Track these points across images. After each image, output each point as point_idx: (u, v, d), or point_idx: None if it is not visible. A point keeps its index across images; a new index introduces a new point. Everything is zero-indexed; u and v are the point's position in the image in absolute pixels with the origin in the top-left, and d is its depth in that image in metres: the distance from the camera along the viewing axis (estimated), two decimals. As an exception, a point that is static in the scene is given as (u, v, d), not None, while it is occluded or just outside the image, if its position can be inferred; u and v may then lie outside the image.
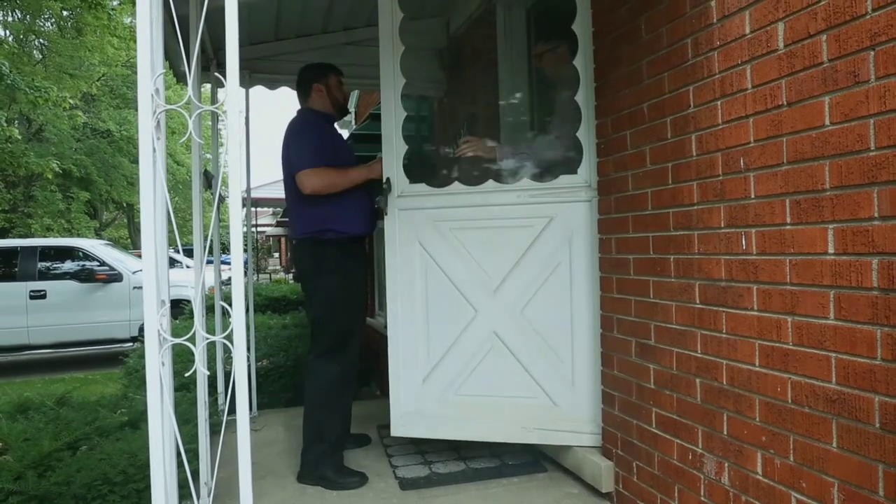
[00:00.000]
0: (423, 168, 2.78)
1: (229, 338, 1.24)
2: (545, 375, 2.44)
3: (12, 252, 7.04)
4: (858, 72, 1.29)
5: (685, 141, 1.83)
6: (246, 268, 4.01)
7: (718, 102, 1.69)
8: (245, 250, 2.42)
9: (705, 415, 1.77)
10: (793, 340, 1.47)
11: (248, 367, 3.10)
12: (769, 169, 1.53)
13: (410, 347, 2.55)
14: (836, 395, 1.36)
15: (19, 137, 12.38)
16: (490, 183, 2.51)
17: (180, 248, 1.46)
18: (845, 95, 1.32)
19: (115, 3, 11.58)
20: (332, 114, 2.79)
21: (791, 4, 1.45)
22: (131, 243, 20.41)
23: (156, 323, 1.22)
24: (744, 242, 1.62)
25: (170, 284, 1.34)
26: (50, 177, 12.62)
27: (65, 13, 13.08)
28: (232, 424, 1.36)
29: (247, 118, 3.77)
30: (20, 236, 14.09)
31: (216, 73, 3.31)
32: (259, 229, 18.84)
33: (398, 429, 2.55)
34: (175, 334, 1.27)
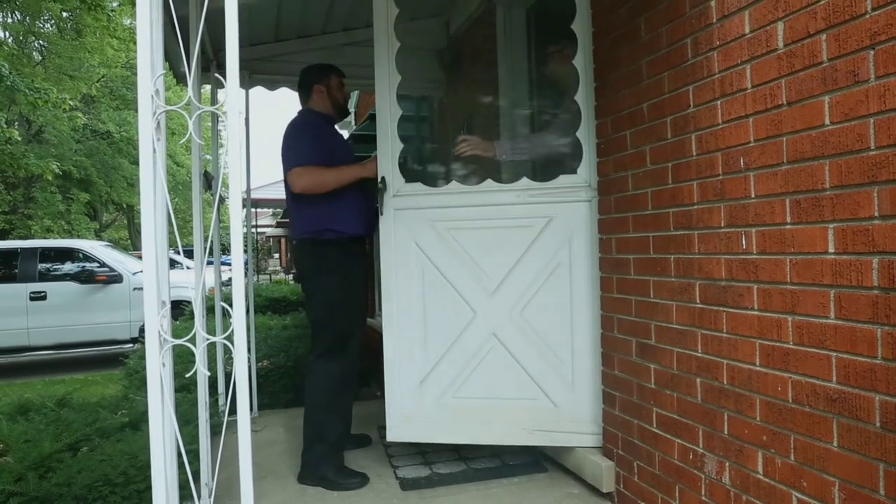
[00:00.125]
0: (419, 167, 2.75)
1: (230, 338, 1.24)
2: (545, 376, 2.43)
3: (12, 253, 7.04)
4: (858, 71, 1.29)
5: (685, 141, 1.83)
6: (246, 269, 4.01)
7: (718, 102, 1.69)
8: (245, 251, 2.42)
9: (706, 414, 1.77)
10: (793, 340, 1.47)
11: (249, 367, 3.10)
12: (769, 168, 1.53)
13: (407, 350, 2.52)
14: (837, 394, 1.36)
15: (19, 139, 12.39)
16: (488, 182, 2.49)
17: (181, 249, 1.46)
18: (845, 95, 1.32)
19: (114, 4, 11.59)
20: (332, 115, 2.79)
21: (791, 4, 1.45)
22: (131, 244, 20.41)
23: (156, 324, 1.23)
24: (744, 242, 1.62)
25: (170, 285, 1.34)
26: (50, 178, 12.63)
27: (64, 14, 13.09)
28: (232, 425, 1.36)
29: (247, 119, 3.77)
30: (20, 238, 14.09)
31: (216, 74, 3.31)
32: (259, 230, 18.84)
33: (395, 433, 2.52)
34: (175, 335, 1.27)
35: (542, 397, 2.44)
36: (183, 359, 2.79)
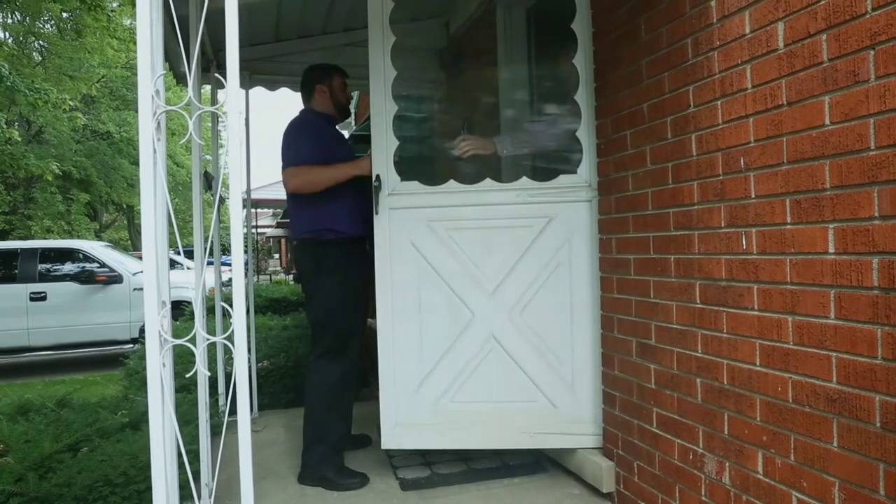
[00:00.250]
0: (415, 165, 2.68)
1: (230, 339, 1.24)
2: (545, 378, 2.41)
3: (12, 254, 7.04)
4: (858, 71, 1.29)
5: (685, 141, 1.83)
6: (246, 269, 4.01)
7: (718, 102, 1.69)
8: (245, 251, 2.42)
9: (706, 414, 1.77)
10: (793, 340, 1.47)
11: (249, 368, 3.10)
12: (769, 168, 1.53)
13: (402, 354, 2.45)
14: (837, 394, 1.36)
15: (19, 139, 12.39)
16: (488, 181, 2.45)
17: (181, 250, 1.46)
18: (845, 95, 1.32)
19: (114, 4, 11.59)
20: (333, 115, 2.78)
21: (791, 4, 1.45)
22: (131, 245, 20.41)
23: (157, 324, 1.23)
24: (744, 242, 1.62)
25: (170, 286, 1.34)
26: (50, 178, 12.63)
27: (64, 15, 13.09)
28: (233, 425, 1.36)
29: (247, 119, 3.77)
30: (20, 238, 14.10)
31: (216, 75, 3.32)
32: (259, 230, 18.84)
33: (390, 441, 2.45)
34: (176, 335, 1.27)
35: (542, 399, 2.42)
36: (183, 359, 2.78)
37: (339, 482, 2.44)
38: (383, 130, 2.44)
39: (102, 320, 6.95)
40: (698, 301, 1.79)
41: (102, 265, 7.18)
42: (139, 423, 2.63)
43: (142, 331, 6.43)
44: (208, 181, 2.81)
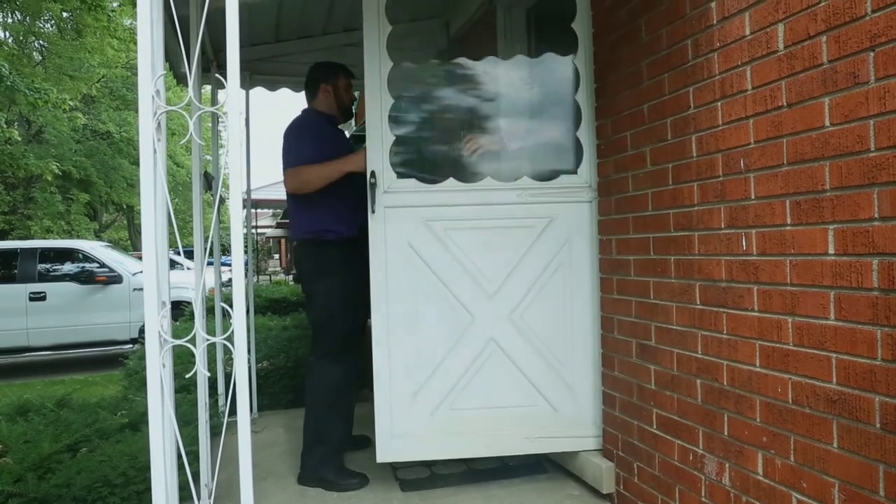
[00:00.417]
0: (412, 161, 2.58)
1: (230, 339, 1.24)
2: (545, 381, 2.38)
3: (12, 254, 7.03)
4: (858, 73, 1.29)
5: (685, 142, 1.83)
6: (246, 269, 4.00)
7: (718, 103, 1.69)
8: (245, 252, 2.42)
9: (706, 415, 1.77)
10: (793, 341, 1.47)
11: (249, 368, 3.10)
12: (769, 170, 1.53)
13: (399, 360, 2.34)
14: (837, 395, 1.36)
15: (19, 139, 12.39)
16: (488, 180, 2.40)
17: (181, 250, 1.46)
18: (845, 96, 1.33)
19: (114, 4, 11.59)
20: (335, 115, 2.76)
21: (791, 6, 1.45)
22: (131, 245, 20.41)
23: (156, 324, 1.22)
24: (744, 243, 1.62)
25: (170, 286, 1.34)
26: (49, 178, 12.62)
27: (64, 15, 13.09)
28: (232, 426, 1.36)
29: (247, 119, 3.77)
30: (20, 238, 14.09)
31: (216, 75, 3.31)
32: (259, 231, 18.84)
33: (385, 454, 2.33)
34: (175, 336, 1.27)
35: (543, 403, 2.38)
36: (183, 359, 2.78)
37: (339, 483, 2.44)
38: (378, 124, 2.33)
39: (102, 320, 6.94)
40: (698, 302, 1.79)
41: (102, 265, 7.18)
42: (139, 423, 2.63)
43: (141, 331, 6.43)
44: (208, 181, 2.81)
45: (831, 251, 1.37)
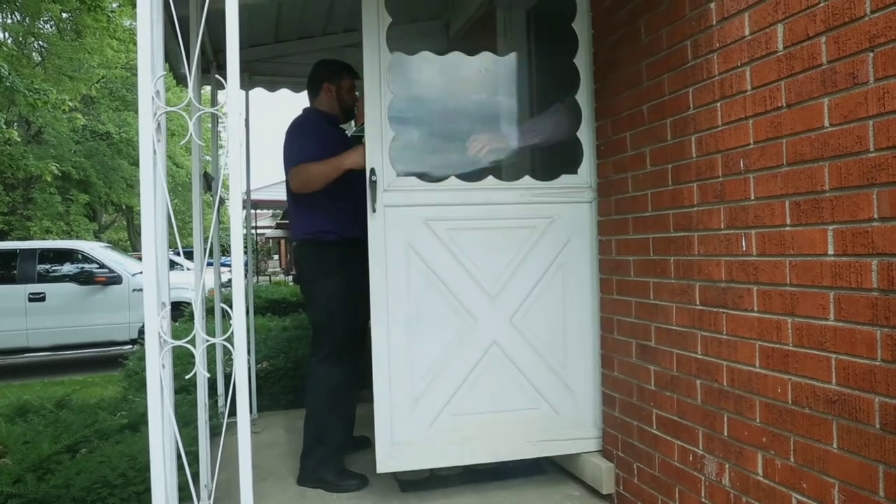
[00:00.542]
0: (413, 159, 2.51)
1: (230, 340, 1.24)
2: (546, 383, 2.36)
3: (11, 254, 7.03)
4: (857, 73, 1.30)
5: (685, 143, 1.83)
6: (246, 270, 4.00)
7: (718, 104, 1.69)
8: (245, 252, 2.42)
9: (706, 416, 1.77)
10: (793, 341, 1.47)
11: (249, 369, 3.09)
12: (769, 170, 1.53)
13: (399, 366, 2.26)
14: (837, 395, 1.36)
15: (18, 140, 12.38)
16: (490, 179, 2.35)
17: (180, 251, 1.46)
18: (844, 97, 1.33)
19: (114, 5, 11.58)
20: (336, 115, 2.74)
21: (790, 6, 1.46)
22: (130, 245, 20.40)
23: (156, 325, 1.22)
24: (744, 244, 1.62)
25: (170, 287, 1.34)
26: (49, 179, 12.62)
27: (64, 15, 13.08)
28: (232, 427, 1.36)
29: (247, 120, 3.77)
30: (19, 239, 14.08)
31: (216, 76, 3.32)
32: (259, 231, 18.84)
33: (386, 464, 2.25)
34: (175, 336, 1.27)
35: (544, 405, 2.36)
36: (182, 360, 2.78)
37: (339, 484, 2.44)
38: (378, 120, 2.25)
39: (101, 321, 6.94)
40: (698, 302, 1.79)
41: (101, 266, 7.18)
42: (138, 424, 2.63)
43: (141, 332, 6.42)
44: (208, 182, 2.81)
45: (831, 252, 1.37)
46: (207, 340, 1.35)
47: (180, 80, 3.31)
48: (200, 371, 1.35)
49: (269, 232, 23.12)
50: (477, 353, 2.33)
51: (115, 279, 7.07)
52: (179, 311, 6.32)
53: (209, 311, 3.66)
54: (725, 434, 1.69)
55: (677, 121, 1.86)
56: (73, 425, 2.59)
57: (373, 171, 2.25)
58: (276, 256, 25.97)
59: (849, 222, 1.33)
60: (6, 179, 14.74)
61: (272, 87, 3.85)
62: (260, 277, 16.62)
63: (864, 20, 1.28)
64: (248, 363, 3.44)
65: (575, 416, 2.38)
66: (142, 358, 3.83)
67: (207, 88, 3.55)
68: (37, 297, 6.79)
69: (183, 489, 1.36)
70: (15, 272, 6.87)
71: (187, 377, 1.44)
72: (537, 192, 2.36)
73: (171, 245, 1.36)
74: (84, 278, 6.99)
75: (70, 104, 11.38)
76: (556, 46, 2.55)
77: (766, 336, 1.55)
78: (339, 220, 2.56)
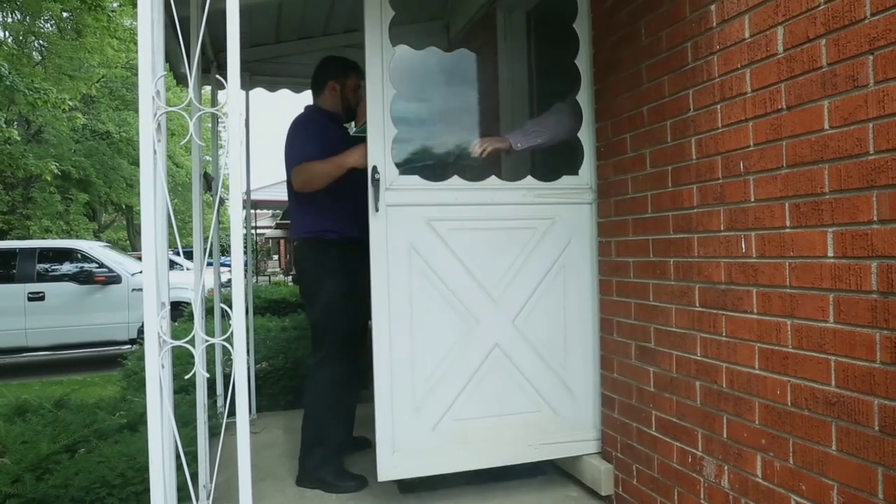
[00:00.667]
0: (415, 157, 2.49)
1: (229, 340, 1.24)
2: (547, 385, 2.34)
3: (10, 254, 7.03)
4: (857, 76, 1.30)
5: (685, 144, 1.83)
6: (245, 270, 4.00)
7: (718, 106, 1.69)
8: (245, 252, 2.41)
9: (705, 417, 1.77)
10: (792, 343, 1.47)
11: (248, 369, 3.09)
12: (769, 172, 1.53)
13: (401, 370, 2.21)
14: (836, 397, 1.36)
15: (18, 139, 12.38)
16: (493, 179, 2.32)
17: (180, 251, 1.46)
18: (844, 99, 1.33)
19: (114, 4, 11.60)
20: (339, 114, 2.73)
21: (790, 9, 1.46)
22: (130, 245, 20.39)
23: (156, 325, 1.22)
24: (743, 245, 1.62)
25: (169, 286, 1.34)
26: (49, 178, 12.62)
27: (64, 14, 13.08)
28: (231, 427, 1.36)
29: (247, 120, 3.77)
30: (18, 238, 14.07)
31: (216, 76, 3.32)
32: (258, 231, 18.84)
33: (387, 471, 2.20)
34: (174, 336, 1.27)
35: (545, 407, 2.35)
36: (182, 360, 2.78)
37: (338, 485, 2.44)
38: (380, 116, 2.20)
39: (101, 321, 6.94)
40: (697, 304, 1.79)
41: (101, 265, 7.17)
42: (137, 424, 2.63)
43: (140, 331, 6.42)
44: (208, 182, 2.81)
45: (830, 254, 1.37)
46: (207, 340, 1.35)
47: (180, 80, 3.31)
48: (200, 371, 1.35)
49: (268, 232, 23.12)
50: (479, 356, 2.30)
51: (114, 279, 7.07)
52: (179, 310, 6.32)
53: (209, 311, 3.66)
54: (724, 435, 1.69)
55: (677, 122, 1.86)
56: (72, 425, 2.59)
57: (375, 169, 2.21)
58: (275, 256, 25.99)
59: (848, 224, 1.33)
60: (6, 178, 14.73)
61: (272, 87, 3.86)
62: (259, 277, 16.62)
63: (864, 23, 1.28)
64: (248, 363, 3.44)
65: (575, 418, 2.38)
66: (141, 358, 3.83)
67: (208, 88, 3.55)
68: (36, 297, 6.78)
69: (182, 489, 1.36)
70: (14, 271, 6.87)
71: (186, 377, 1.44)
72: (539, 192, 2.35)
73: (171, 245, 1.36)
74: (83, 278, 6.99)
75: (70, 103, 11.37)
76: (557, 48, 2.55)
77: (766, 338, 1.55)
78: (341, 219, 2.56)
